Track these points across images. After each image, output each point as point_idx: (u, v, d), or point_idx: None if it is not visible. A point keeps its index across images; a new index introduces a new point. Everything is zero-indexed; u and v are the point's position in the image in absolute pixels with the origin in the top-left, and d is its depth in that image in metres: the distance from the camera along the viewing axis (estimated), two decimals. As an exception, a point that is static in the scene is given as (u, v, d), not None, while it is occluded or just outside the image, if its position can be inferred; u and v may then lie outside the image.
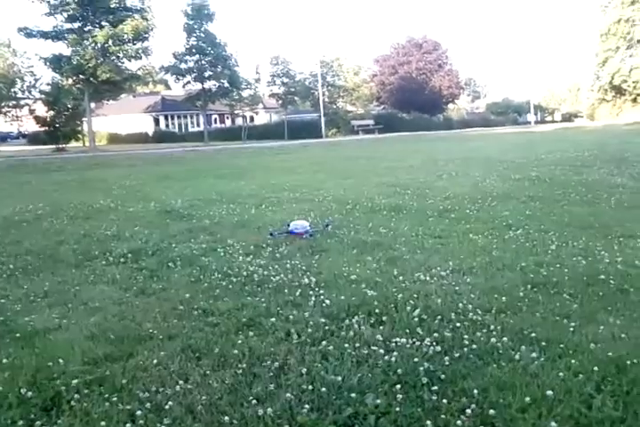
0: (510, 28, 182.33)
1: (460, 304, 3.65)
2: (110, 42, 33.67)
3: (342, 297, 3.89)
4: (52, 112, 36.45)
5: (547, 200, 7.61)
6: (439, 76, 68.77)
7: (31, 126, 48.01)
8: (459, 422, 2.24)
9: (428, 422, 2.23)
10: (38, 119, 38.06)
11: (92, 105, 38.05)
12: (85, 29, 34.58)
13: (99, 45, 33.58)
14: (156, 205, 8.34)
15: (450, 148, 19.86)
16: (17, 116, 47.58)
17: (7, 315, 3.88)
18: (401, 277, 4.33)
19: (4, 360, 3.05)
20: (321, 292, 4.04)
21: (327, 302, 3.81)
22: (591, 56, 65.28)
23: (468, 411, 2.31)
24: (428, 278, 4.30)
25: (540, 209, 7.03)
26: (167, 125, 61.88)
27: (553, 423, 2.19)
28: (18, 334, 3.48)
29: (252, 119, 63.59)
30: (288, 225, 6.10)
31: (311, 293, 4.03)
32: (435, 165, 13.26)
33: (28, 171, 15.77)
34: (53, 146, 35.41)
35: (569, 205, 7.19)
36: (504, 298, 3.75)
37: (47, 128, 36.87)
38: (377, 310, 3.60)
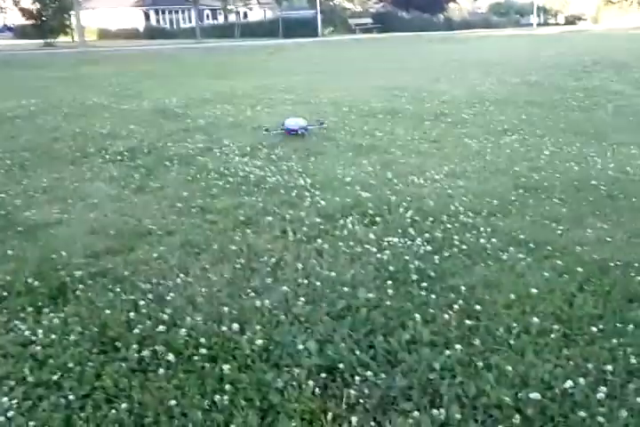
0: None
1: (452, 207, 3.73)
2: None
3: (337, 198, 3.96)
4: (37, 4, 34.76)
5: (544, 105, 7.54)
6: (442, -29, 65.45)
7: (17, 19, 45.97)
8: (446, 315, 2.37)
9: (417, 316, 2.35)
10: (24, 11, 36.35)
11: (79, -2, 36.17)
12: None
13: None
14: (150, 104, 8.22)
15: (449, 49, 19.29)
16: (1, 8, 45.37)
17: (8, 209, 3.94)
18: (395, 180, 4.38)
19: (9, 252, 3.14)
20: (316, 193, 4.10)
21: (322, 202, 3.88)
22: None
23: (455, 306, 2.43)
24: (421, 182, 4.36)
25: (536, 114, 6.98)
26: (158, 21, 59.39)
27: (535, 319, 2.32)
28: (20, 228, 3.56)
29: (245, 15, 61.08)
30: (283, 124, 6.08)
31: (307, 193, 4.10)
32: (433, 67, 12.96)
33: (17, 66, 15.30)
34: (41, 40, 34.11)
35: (566, 111, 7.14)
36: (495, 201, 3.83)
37: (34, 21, 35.30)
38: (371, 211, 3.68)
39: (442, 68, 12.67)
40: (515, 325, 2.28)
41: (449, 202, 3.85)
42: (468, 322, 2.30)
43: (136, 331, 2.29)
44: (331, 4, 54.51)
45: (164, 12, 59.57)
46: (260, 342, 2.18)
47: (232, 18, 57.43)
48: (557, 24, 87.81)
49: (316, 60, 16.60)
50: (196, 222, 3.63)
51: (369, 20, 50.93)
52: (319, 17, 45.01)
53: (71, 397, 1.89)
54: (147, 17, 58.32)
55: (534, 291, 2.55)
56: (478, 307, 2.43)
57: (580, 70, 11.13)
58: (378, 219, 3.55)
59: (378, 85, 9.92)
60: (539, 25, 76.44)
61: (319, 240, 3.22)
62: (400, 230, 3.34)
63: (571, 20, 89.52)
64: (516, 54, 15.71)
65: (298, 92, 9.30)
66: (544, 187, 4.16)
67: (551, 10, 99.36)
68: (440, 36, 32.02)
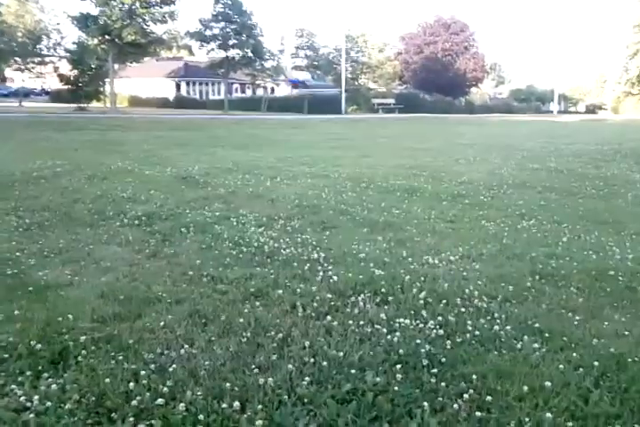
0: (539, 15, 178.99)
1: (467, 290, 3.66)
2: (137, 4, 33.50)
3: (350, 274, 3.92)
4: (75, 71, 36.45)
5: (563, 192, 7.57)
6: (464, 58, 67.83)
7: (54, 84, 48.04)
8: (455, 405, 2.28)
9: (425, 404, 2.26)
10: (62, 77, 38.10)
11: (116, 66, 37.95)
12: (113, -11, 34.35)
13: (126, 7, 33.40)
14: (173, 171, 8.38)
15: (470, 132, 19.69)
16: (41, 73, 47.52)
17: (21, 268, 3.96)
18: (410, 259, 4.35)
19: (16, 312, 3.12)
20: (329, 267, 4.07)
21: (335, 278, 3.84)
22: (621, 48, 63.90)
23: (466, 396, 2.34)
24: (436, 262, 4.32)
25: (555, 200, 6.99)
26: (188, 92, 61.71)
27: (548, 414, 2.21)
28: (30, 288, 3.55)
29: (272, 91, 63.30)
30: None
31: (319, 268, 4.07)
32: (453, 148, 13.18)
33: (48, 128, 15.79)
34: (75, 105, 35.47)
35: (584, 199, 7.15)
36: (511, 287, 3.76)
37: (70, 86, 36.90)
38: (383, 290, 3.63)
39: (462, 149, 12.87)
40: (527, 420, 2.18)
41: (463, 285, 3.79)
42: (478, 414, 2.21)
43: (134, 403, 2.22)
44: (356, 83, 56.36)
45: (194, 84, 61.98)
46: (260, 422, 2.10)
47: (260, 92, 59.49)
48: (578, 112, 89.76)
49: (338, 137, 16.98)
50: (206, 292, 3.60)
51: (392, 101, 52.36)
52: (344, 95, 46.46)
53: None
54: (178, 87, 60.66)
55: (548, 384, 2.45)
56: (489, 398, 2.33)
57: (600, 159, 11.25)
58: (390, 298, 3.50)
59: (398, 164, 10.08)
60: (559, 112, 78.14)
61: (329, 317, 3.16)
62: (412, 312, 3.28)
63: (591, 109, 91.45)
64: (535, 140, 15.96)
65: (318, 166, 9.45)
66: (561, 275, 4.09)
67: (572, 98, 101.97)
68: (461, 118, 32.83)
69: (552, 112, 75.32)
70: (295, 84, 47.29)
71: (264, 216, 5.65)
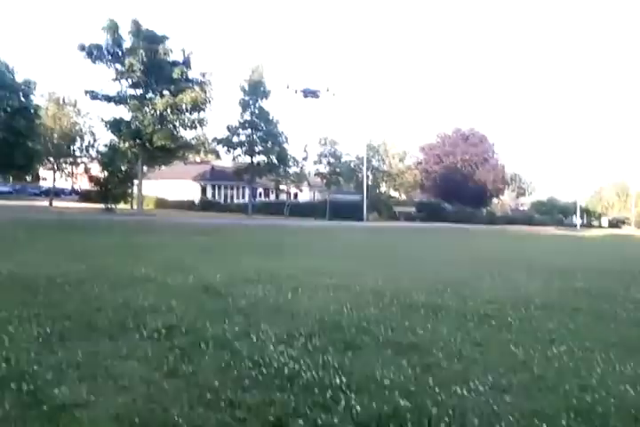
0: (560, 125, 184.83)
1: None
2: (169, 110, 35.36)
3: (374, 404, 3.74)
4: (105, 173, 37.88)
5: (592, 315, 7.37)
6: (484, 169, 69.42)
7: (84, 184, 49.84)
8: None
9: None
10: (92, 178, 39.58)
11: (144, 168, 39.46)
12: (147, 96, 36.57)
13: (157, 112, 35.23)
14: (195, 280, 8.37)
15: (492, 245, 19.70)
16: (72, 173, 49.50)
17: (38, 384, 3.85)
18: (437, 389, 4.16)
19: (28, 438, 2.99)
20: (352, 396, 3.90)
21: (358, 407, 3.67)
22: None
23: None
24: (465, 393, 4.12)
25: (584, 324, 6.78)
26: (213, 195, 63.45)
27: None
28: (45, 407, 3.44)
29: (295, 196, 64.80)
30: None
31: (342, 395, 3.90)
32: (476, 262, 13.12)
33: (76, 230, 16.16)
34: (102, 206, 36.53)
35: (616, 323, 6.93)
36: (545, 425, 3.56)
37: (99, 188, 38.20)
38: (409, 424, 3.45)
39: (485, 263, 12.80)
40: None
41: (494, 421, 3.59)
42: None
43: None
44: (377, 190, 57.56)
45: (220, 187, 63.81)
46: None
47: (283, 196, 60.90)
48: (601, 226, 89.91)
49: (361, 245, 17.08)
50: (224, 418, 3.45)
51: (413, 209, 53.22)
52: (365, 202, 47.35)
53: None
54: (203, 190, 62.43)
55: None
56: None
57: (629, 279, 11.06)
58: (417, 434, 3.31)
59: (421, 277, 10.01)
60: (582, 226, 78.28)
61: (354, 456, 2.98)
62: (442, 452, 3.08)
63: (614, 223, 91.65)
64: (562, 256, 15.86)
65: (341, 277, 9.40)
66: (598, 412, 3.87)
67: (594, 211, 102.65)
68: (482, 229, 33.05)
69: (575, 226, 75.46)
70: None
71: (284, 332, 5.53)
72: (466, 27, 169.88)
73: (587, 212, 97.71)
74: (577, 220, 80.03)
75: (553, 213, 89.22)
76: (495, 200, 79.01)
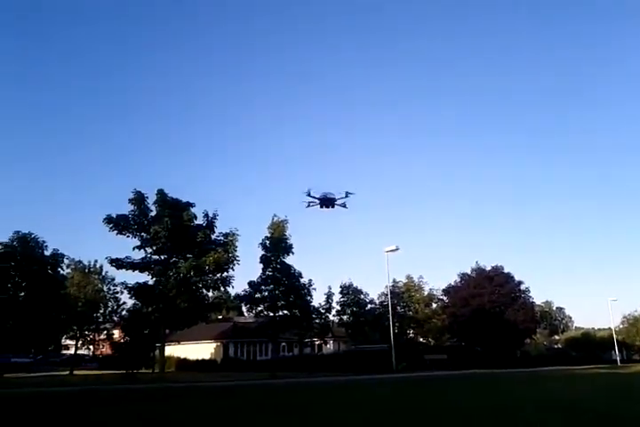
0: (586, 254, 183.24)
1: None
2: (192, 272, 35.50)
3: None
4: (127, 338, 37.31)
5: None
6: (513, 309, 67.79)
7: (106, 350, 49.03)
8: None
9: None
10: (114, 345, 38.93)
11: (167, 331, 38.87)
12: (171, 261, 36.89)
13: (181, 276, 35.36)
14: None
15: (536, 397, 18.38)
16: (94, 340, 48.92)
17: None
18: None
19: None
20: None
21: None
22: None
23: None
24: None
25: None
26: (236, 352, 62.05)
27: None
28: None
29: (320, 348, 63.11)
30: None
31: None
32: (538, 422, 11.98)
33: (92, 404, 15.39)
34: (123, 371, 35.48)
35: None
36: None
37: (120, 353, 37.43)
38: None
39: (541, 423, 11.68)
40: None
41: None
42: None
43: None
44: (404, 337, 55.91)
45: (242, 344, 62.49)
46: None
47: (307, 349, 59.21)
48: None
49: (396, 407, 15.90)
50: None
51: (444, 356, 51.18)
52: (393, 352, 45.67)
53: None
54: (225, 349, 61.11)
55: None
56: None
57: None
58: None
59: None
60: (622, 361, 74.52)
61: None
62: None
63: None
64: (615, 402, 14.65)
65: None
66: None
67: (633, 345, 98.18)
68: (515, 375, 31.14)
69: (615, 361, 71.90)
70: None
71: None
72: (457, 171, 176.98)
73: (625, 345, 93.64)
74: (616, 355, 76.42)
75: (589, 349, 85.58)
76: (528, 340, 76.17)
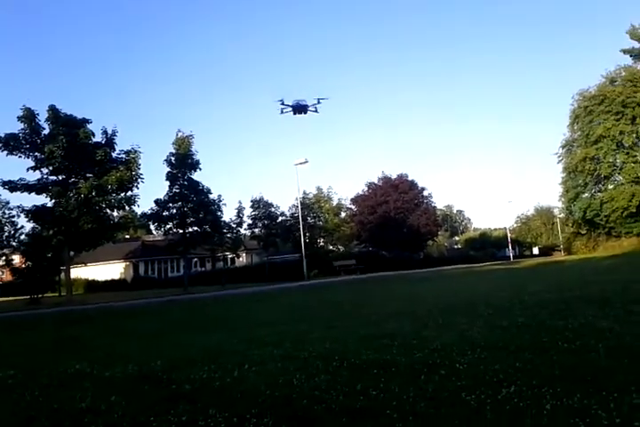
0: (485, 161, 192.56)
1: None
2: (94, 192, 34.55)
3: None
4: (29, 263, 36.33)
5: (535, 350, 7.45)
6: (416, 214, 71.09)
7: (6, 276, 47.68)
8: None
9: None
10: (15, 271, 37.89)
11: (71, 253, 38.11)
12: (70, 181, 35.62)
13: (82, 196, 34.36)
14: (134, 369, 8.00)
15: (432, 289, 19.92)
16: (-8, 267, 47.38)
17: None
18: (393, 453, 4.07)
19: None
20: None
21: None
22: (562, 191, 68.23)
23: None
24: (421, 454, 4.05)
25: (529, 360, 6.85)
26: (146, 271, 61.94)
27: None
28: None
29: (232, 261, 64.12)
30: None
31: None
32: (418, 310, 13.15)
33: None
34: (27, 297, 34.84)
35: (558, 355, 7.02)
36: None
37: (23, 279, 36.53)
38: None
39: (427, 311, 12.85)
40: None
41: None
42: None
43: None
44: (315, 246, 57.65)
45: (152, 262, 62.38)
46: None
47: (220, 264, 60.08)
48: (533, 255, 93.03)
49: (302, 306, 16.90)
50: None
51: (353, 262, 53.42)
52: (304, 261, 47.16)
53: None
54: (135, 268, 60.89)
55: None
56: None
57: (565, 308, 11.32)
58: None
59: (366, 334, 9.93)
60: (515, 257, 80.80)
61: None
62: None
63: (545, 251, 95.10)
64: (498, 292, 16.15)
65: (286, 346, 9.21)
66: (554, 454, 3.86)
67: (525, 242, 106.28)
68: (421, 274, 33.36)
69: (509, 258, 77.77)
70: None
71: (234, 416, 5.32)
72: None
73: (518, 242, 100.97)
74: (509, 252, 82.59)
75: (485, 247, 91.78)
76: (431, 242, 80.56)
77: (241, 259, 65.83)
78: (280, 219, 58.40)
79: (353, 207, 72.27)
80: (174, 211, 43.92)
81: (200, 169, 44.12)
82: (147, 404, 5.99)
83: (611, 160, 62.58)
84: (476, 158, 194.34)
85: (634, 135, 61.11)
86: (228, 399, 5.99)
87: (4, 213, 46.79)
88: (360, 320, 12.00)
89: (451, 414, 4.98)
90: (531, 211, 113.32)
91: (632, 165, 60.83)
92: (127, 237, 72.22)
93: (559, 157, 68.06)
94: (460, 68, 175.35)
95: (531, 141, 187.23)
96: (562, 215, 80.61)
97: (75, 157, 34.67)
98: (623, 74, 64.50)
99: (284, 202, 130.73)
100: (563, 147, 67.89)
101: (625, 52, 70.44)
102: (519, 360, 6.88)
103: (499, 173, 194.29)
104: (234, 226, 51.65)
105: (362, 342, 9.10)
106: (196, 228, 44.68)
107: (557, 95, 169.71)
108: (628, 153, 61.75)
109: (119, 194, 36.40)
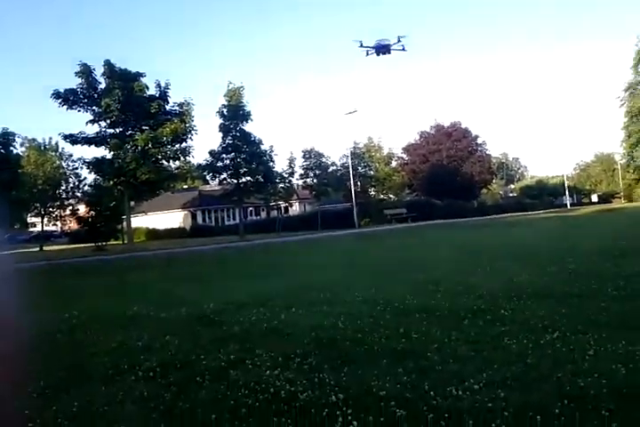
0: (542, 107, 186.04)
1: (493, 425, 3.50)
2: (150, 144, 35.26)
3: (370, 417, 3.77)
4: (92, 212, 37.73)
5: (583, 296, 7.42)
6: (470, 162, 69.66)
7: (74, 225, 49.66)
8: None
9: None
10: (80, 220, 39.46)
11: (132, 203, 39.35)
12: (127, 133, 36.38)
13: (139, 148, 35.14)
14: (188, 310, 8.37)
15: (484, 237, 19.77)
16: (60, 216, 49.40)
17: (33, 442, 3.85)
18: (432, 393, 4.18)
19: None
20: (349, 411, 3.92)
21: (355, 423, 3.69)
22: (624, 135, 65.45)
23: None
24: (460, 393, 4.15)
25: (576, 307, 6.83)
26: (204, 219, 63.35)
27: None
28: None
29: (286, 210, 64.81)
30: None
31: (338, 413, 3.92)
32: (468, 257, 13.16)
33: (66, 274, 16.13)
34: (93, 244, 36.39)
35: (607, 302, 6.97)
36: (538, 417, 3.58)
37: (88, 228, 38.03)
38: (406, 434, 3.47)
39: (477, 257, 12.84)
40: None
41: (489, 419, 3.61)
42: None
43: None
44: (366, 195, 57.52)
45: (210, 212, 63.71)
46: None
47: (274, 213, 60.87)
48: (592, 202, 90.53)
49: (352, 253, 17.10)
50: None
51: (403, 210, 53.24)
52: (355, 210, 47.27)
53: None
54: (194, 217, 62.34)
55: None
56: None
57: (618, 255, 11.12)
58: (414, 444, 3.33)
59: (412, 279, 10.04)
60: (572, 205, 78.87)
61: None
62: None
63: (604, 198, 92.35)
64: (551, 239, 15.93)
65: (333, 291, 9.40)
66: (590, 395, 3.90)
67: (583, 189, 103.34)
68: (473, 222, 33.02)
69: (566, 206, 75.96)
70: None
71: (280, 355, 5.54)
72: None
73: (576, 190, 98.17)
74: (567, 199, 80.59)
75: (542, 195, 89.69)
76: (484, 190, 79.24)
77: (294, 208, 66.52)
78: (331, 169, 58.30)
79: (404, 156, 71.38)
80: (228, 162, 44.38)
81: (252, 120, 44.23)
82: (198, 344, 6.29)
83: (677, 103, 59.39)
84: (534, 104, 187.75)
85: (703, 75, 57.62)
86: (275, 340, 6.22)
87: (67, 165, 48.55)
88: (406, 269, 12.08)
89: (491, 359, 5.05)
90: (590, 157, 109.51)
91: (699, 107, 57.63)
92: (185, 187, 73.76)
93: (622, 100, 64.89)
94: (520, 9, 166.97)
95: (591, 85, 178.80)
96: (623, 161, 77.50)
97: (131, 110, 35.19)
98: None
99: (336, 152, 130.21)
100: (626, 90, 64.63)
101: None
102: (565, 306, 6.86)
103: (557, 118, 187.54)
104: (286, 176, 51.92)
105: (407, 287, 9.22)
106: (249, 178, 45.13)
107: (620, 36, 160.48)
108: (695, 95, 58.45)
109: (174, 145, 36.98)
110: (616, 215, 29.29)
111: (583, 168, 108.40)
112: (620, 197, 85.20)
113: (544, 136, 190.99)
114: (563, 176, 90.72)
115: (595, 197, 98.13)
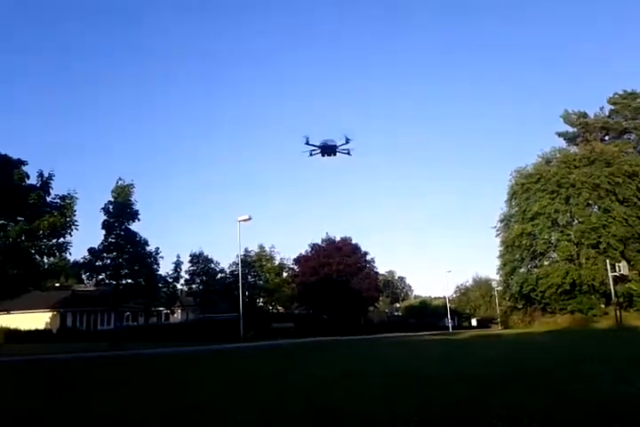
0: (428, 228, 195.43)
1: None
2: (23, 237, 32.58)
3: None
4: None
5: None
6: (359, 278, 70.24)
7: None
8: None
9: None
10: None
11: (-7, 301, 35.48)
12: (-1, 224, 33.56)
13: (9, 240, 32.31)
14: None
15: (370, 361, 18.80)
16: None
17: None
18: None
19: None
20: None
21: None
22: (499, 264, 68.96)
23: None
24: None
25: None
26: (75, 322, 58.52)
27: None
28: None
29: (167, 317, 61.54)
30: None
31: None
32: (354, 381, 11.99)
33: None
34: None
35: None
36: None
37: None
38: None
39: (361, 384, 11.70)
40: None
41: None
42: None
43: None
44: (253, 306, 55.88)
45: (82, 314, 59.14)
46: None
47: (154, 320, 57.46)
48: (471, 326, 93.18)
49: (231, 379, 15.47)
50: None
51: (291, 324, 51.75)
52: (242, 322, 45.24)
53: None
54: (63, 319, 57.51)
55: None
56: None
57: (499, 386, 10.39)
58: None
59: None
60: (453, 327, 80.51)
61: None
62: None
63: (483, 323, 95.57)
64: (439, 365, 15.16)
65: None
66: None
67: (464, 313, 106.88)
68: (355, 341, 32.06)
69: (448, 328, 77.38)
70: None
71: None
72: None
73: (457, 313, 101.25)
74: (449, 322, 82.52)
75: (425, 316, 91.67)
76: (371, 308, 79.67)
77: (176, 315, 63.16)
78: (219, 276, 56.74)
79: (295, 268, 71.02)
80: (108, 261, 41.63)
81: (139, 220, 42.39)
82: None
83: (546, 237, 63.92)
84: (420, 225, 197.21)
85: (567, 214, 62.90)
86: None
87: None
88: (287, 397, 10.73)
89: None
90: (470, 281, 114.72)
91: (566, 243, 62.16)
92: (57, 284, 68.69)
93: (497, 230, 69.35)
94: (408, 137, 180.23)
95: (472, 213, 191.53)
96: (499, 288, 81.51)
97: (6, 198, 32.62)
98: (558, 155, 67.59)
99: (225, 258, 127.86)
100: (501, 221, 69.35)
101: (559, 135, 74.63)
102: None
103: (441, 242, 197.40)
104: (170, 280, 49.53)
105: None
106: (130, 280, 42.42)
107: (497, 168, 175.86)
108: (562, 231, 63.25)
109: (50, 240, 34.32)
110: (496, 342, 29.54)
111: (464, 292, 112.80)
112: (497, 323, 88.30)
113: (428, 258, 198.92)
114: (445, 298, 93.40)
115: (474, 322, 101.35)
